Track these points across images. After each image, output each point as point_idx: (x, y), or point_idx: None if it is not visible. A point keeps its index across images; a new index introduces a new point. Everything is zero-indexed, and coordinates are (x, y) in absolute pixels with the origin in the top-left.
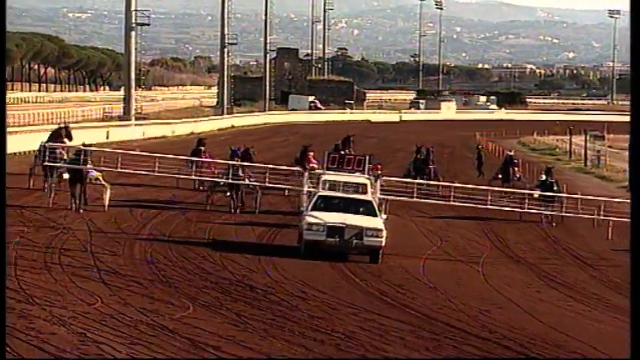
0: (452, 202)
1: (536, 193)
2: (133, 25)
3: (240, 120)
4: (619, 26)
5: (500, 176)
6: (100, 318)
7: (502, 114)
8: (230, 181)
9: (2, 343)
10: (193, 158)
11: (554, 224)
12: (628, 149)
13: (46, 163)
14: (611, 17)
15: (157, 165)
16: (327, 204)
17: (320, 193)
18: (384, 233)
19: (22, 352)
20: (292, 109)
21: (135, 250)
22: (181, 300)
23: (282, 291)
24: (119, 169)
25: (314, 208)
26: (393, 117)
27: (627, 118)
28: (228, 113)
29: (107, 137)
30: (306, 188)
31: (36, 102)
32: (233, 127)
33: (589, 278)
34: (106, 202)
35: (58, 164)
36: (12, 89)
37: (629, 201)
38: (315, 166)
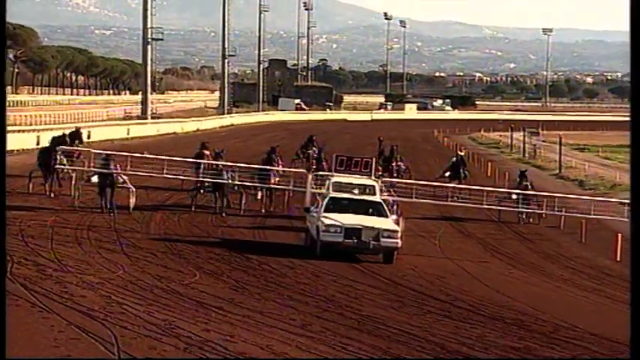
0: (414, 200)
1: (514, 195)
2: (149, 40)
3: (239, 119)
4: (551, 41)
5: (448, 174)
6: (122, 283)
7: (455, 114)
8: (217, 181)
9: (2, 343)
10: (198, 160)
11: (530, 220)
12: (629, 149)
13: (58, 166)
14: (545, 34)
15: (165, 167)
16: (338, 205)
17: (331, 195)
18: (400, 234)
19: (60, 312)
20: (282, 110)
21: (150, 227)
22: (189, 269)
23: (274, 261)
24: (130, 172)
25: (326, 210)
26: (365, 116)
27: (558, 118)
28: (228, 113)
29: (128, 133)
30: (309, 189)
31: (69, 104)
32: (232, 125)
33: (526, 249)
34: (132, 205)
35: (65, 166)
36: (48, 93)
37: (583, 198)
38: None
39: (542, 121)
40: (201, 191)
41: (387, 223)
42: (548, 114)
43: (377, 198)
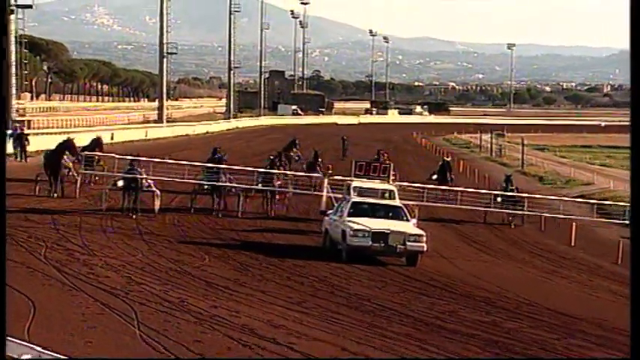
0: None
1: (499, 198)
2: (165, 54)
3: (243, 122)
4: (514, 55)
5: (435, 177)
6: (141, 266)
7: (432, 118)
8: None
9: (2, 343)
10: (209, 165)
11: (512, 225)
12: (629, 150)
13: (82, 171)
14: (509, 49)
15: (186, 172)
16: (361, 210)
17: (354, 200)
18: (425, 238)
19: (87, 290)
20: (280, 115)
21: (166, 218)
22: (199, 253)
23: (274, 246)
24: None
25: (350, 214)
26: (353, 120)
27: (521, 122)
28: (233, 118)
29: (146, 135)
30: (325, 193)
31: (94, 109)
32: (237, 128)
33: (495, 237)
34: (157, 208)
35: (69, 169)
36: (77, 100)
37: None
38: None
39: (507, 125)
40: (197, 195)
41: (410, 227)
42: (512, 118)
43: (397, 202)
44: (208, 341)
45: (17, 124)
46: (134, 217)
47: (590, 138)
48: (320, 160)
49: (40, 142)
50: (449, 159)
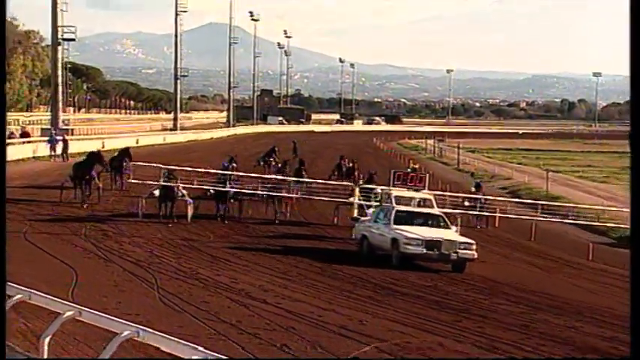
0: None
1: (466, 202)
2: (179, 76)
3: (240, 130)
4: (452, 78)
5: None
6: (160, 243)
7: (388, 127)
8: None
9: (2, 343)
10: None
11: (479, 227)
12: (629, 151)
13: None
14: (448, 73)
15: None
16: (405, 218)
17: (399, 208)
18: (474, 246)
19: (116, 261)
20: (269, 124)
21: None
22: (206, 233)
23: (275, 229)
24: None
25: (395, 222)
26: (327, 128)
27: (457, 130)
28: (232, 126)
29: (164, 140)
30: (356, 200)
31: (124, 120)
32: (235, 134)
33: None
34: (189, 217)
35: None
36: (110, 113)
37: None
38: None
39: (446, 132)
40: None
41: (457, 235)
42: (450, 128)
43: (437, 211)
44: (213, 302)
45: (61, 131)
46: (170, 225)
47: (510, 143)
48: (305, 167)
49: (81, 145)
50: (417, 166)
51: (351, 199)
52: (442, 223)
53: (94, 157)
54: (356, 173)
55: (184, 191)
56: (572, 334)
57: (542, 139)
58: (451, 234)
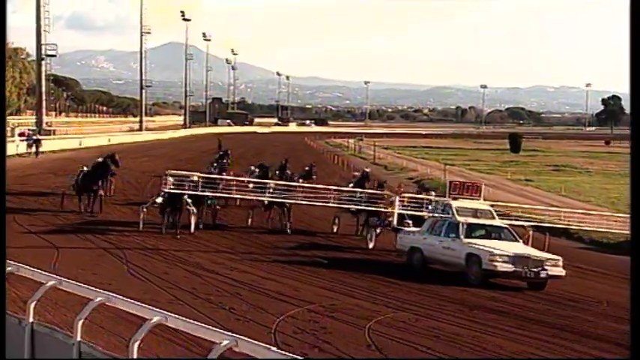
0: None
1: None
2: (144, 87)
3: (195, 131)
4: (369, 88)
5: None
6: (166, 237)
7: (317, 129)
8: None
9: (2, 343)
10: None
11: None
12: (630, 153)
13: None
14: (365, 84)
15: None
16: (473, 231)
17: (469, 221)
18: (561, 262)
19: (131, 248)
20: (220, 126)
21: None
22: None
23: (256, 230)
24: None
25: (466, 236)
26: (267, 130)
27: (373, 131)
28: (189, 128)
29: (132, 139)
30: (397, 210)
31: (98, 123)
32: (192, 134)
33: None
34: (193, 227)
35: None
36: (86, 117)
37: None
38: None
39: (364, 133)
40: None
41: (535, 250)
42: (367, 129)
43: (501, 222)
44: (172, 273)
45: (33, 132)
46: (178, 236)
47: (415, 142)
48: (289, 171)
49: (62, 143)
50: (369, 170)
51: (390, 209)
52: (510, 236)
53: (101, 167)
54: (314, 177)
55: (189, 200)
56: None
57: (441, 138)
58: (530, 249)
